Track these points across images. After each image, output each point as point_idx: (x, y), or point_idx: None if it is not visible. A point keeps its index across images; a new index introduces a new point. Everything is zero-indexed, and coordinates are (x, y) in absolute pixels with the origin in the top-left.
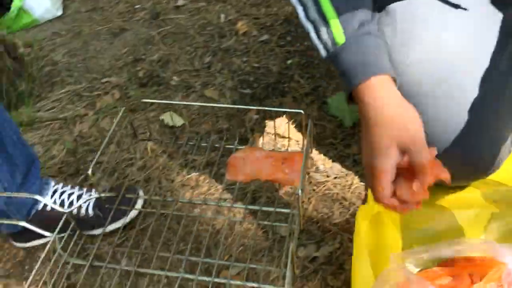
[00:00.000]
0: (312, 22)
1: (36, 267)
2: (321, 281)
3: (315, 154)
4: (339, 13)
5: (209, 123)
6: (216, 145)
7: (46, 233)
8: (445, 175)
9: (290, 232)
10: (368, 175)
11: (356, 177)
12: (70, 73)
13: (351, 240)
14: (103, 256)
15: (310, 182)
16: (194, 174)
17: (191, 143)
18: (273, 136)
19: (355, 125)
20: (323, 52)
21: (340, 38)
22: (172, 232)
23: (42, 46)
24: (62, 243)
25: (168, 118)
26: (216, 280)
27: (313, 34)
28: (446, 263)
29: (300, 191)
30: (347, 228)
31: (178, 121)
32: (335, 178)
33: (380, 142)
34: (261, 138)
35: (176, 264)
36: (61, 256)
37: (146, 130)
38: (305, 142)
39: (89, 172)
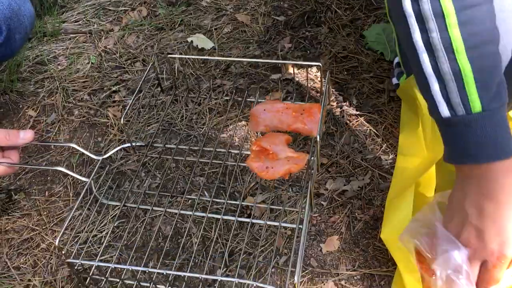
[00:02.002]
0: (440, 76)
1: (75, 207)
2: (349, 214)
3: (349, 88)
4: (476, 78)
5: (239, 48)
6: (246, 71)
7: (82, 178)
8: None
9: (309, 178)
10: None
11: (390, 113)
12: None
13: (381, 177)
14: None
15: (343, 116)
16: (221, 100)
17: (220, 67)
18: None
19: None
20: (446, 111)
21: (477, 105)
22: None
23: None
24: (97, 186)
25: (197, 40)
26: (243, 203)
27: (435, 88)
28: None
29: (318, 140)
30: (379, 164)
31: (207, 44)
32: (369, 113)
33: None
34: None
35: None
36: (97, 198)
37: (173, 51)
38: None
39: (121, 121)
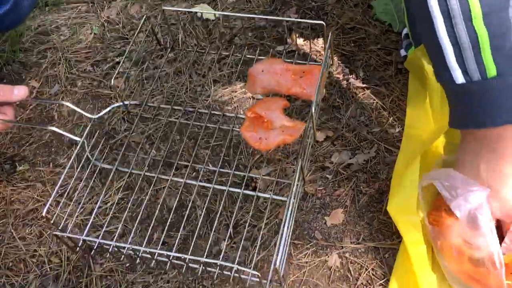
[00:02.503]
0: (457, 42)
1: (66, 169)
2: (354, 187)
3: (356, 60)
4: (492, 44)
5: (244, 18)
6: (251, 43)
7: (75, 138)
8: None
9: (300, 149)
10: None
11: (398, 86)
12: None
13: (387, 150)
14: (129, 162)
15: (349, 89)
16: (226, 71)
17: (225, 38)
18: (303, 45)
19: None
20: (460, 78)
21: (492, 70)
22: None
23: None
24: (89, 147)
25: (201, 10)
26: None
27: (450, 55)
28: None
29: (313, 106)
30: (385, 137)
31: (211, 14)
32: (376, 85)
33: None
34: (294, 45)
35: (202, 160)
36: (89, 160)
37: (177, 21)
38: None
39: (112, 81)
